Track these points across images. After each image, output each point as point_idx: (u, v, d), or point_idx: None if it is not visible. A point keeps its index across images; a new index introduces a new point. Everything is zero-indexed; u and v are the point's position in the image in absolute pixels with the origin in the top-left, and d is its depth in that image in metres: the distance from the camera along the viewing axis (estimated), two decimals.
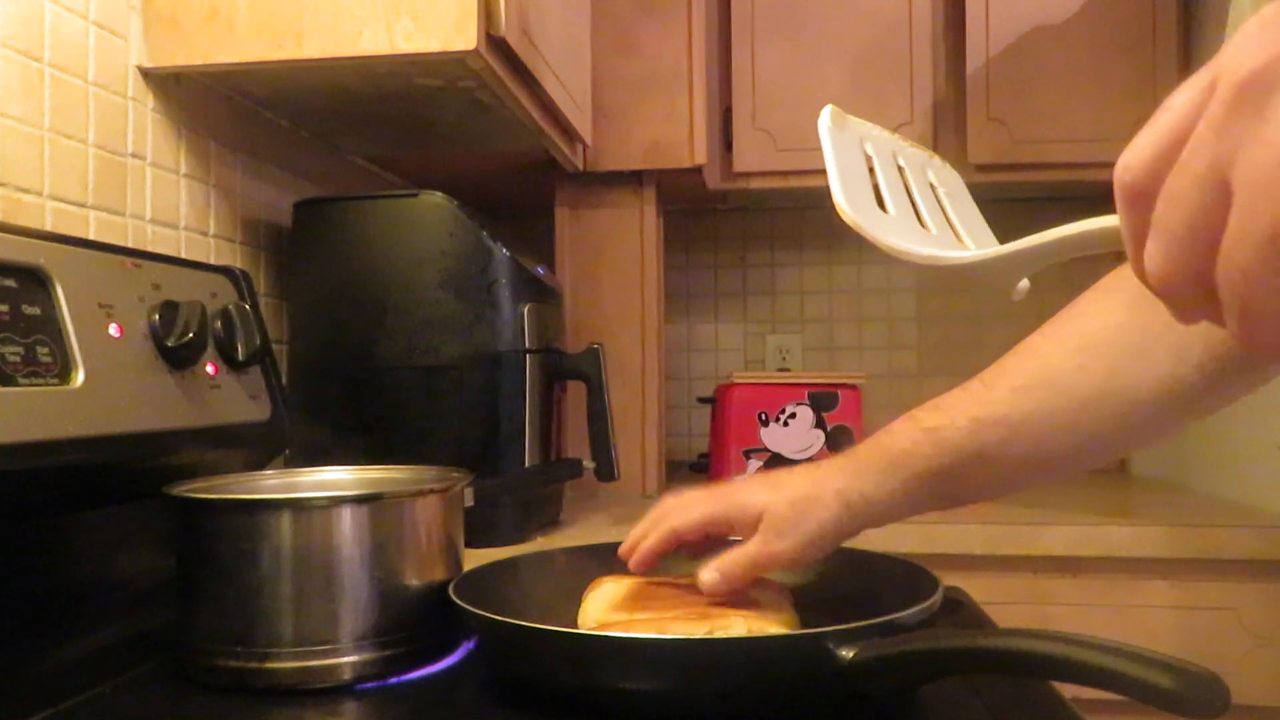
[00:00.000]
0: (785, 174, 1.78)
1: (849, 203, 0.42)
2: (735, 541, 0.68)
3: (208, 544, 0.63)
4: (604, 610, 0.65)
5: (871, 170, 0.46)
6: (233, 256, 1.12)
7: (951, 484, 0.66)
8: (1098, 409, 0.63)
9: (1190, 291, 0.28)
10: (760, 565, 0.65)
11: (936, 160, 0.47)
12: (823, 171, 0.43)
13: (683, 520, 0.70)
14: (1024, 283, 0.44)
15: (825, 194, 0.43)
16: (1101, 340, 0.63)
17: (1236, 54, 0.26)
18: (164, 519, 0.65)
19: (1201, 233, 0.27)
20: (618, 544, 0.78)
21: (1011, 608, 1.26)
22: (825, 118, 0.46)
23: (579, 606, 0.68)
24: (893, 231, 0.42)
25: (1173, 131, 0.28)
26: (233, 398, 0.86)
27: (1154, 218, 0.29)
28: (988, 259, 0.42)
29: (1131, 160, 0.29)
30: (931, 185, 0.46)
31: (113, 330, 0.74)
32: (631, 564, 0.71)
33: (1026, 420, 0.64)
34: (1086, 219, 0.37)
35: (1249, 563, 1.27)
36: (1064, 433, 0.64)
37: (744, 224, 2.12)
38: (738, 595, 0.66)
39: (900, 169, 0.46)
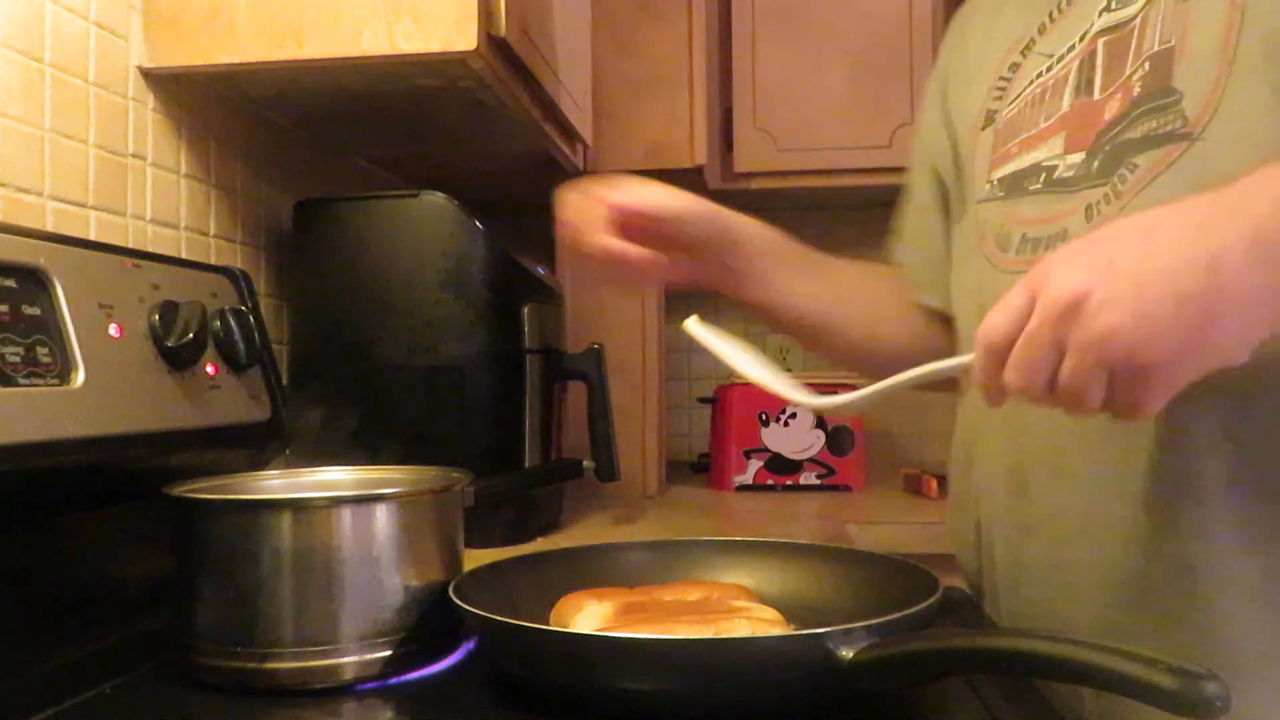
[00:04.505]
0: (785, 174, 1.78)
1: (747, 370, 0.65)
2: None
3: (208, 544, 0.63)
4: (599, 628, 0.64)
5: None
6: (233, 257, 1.12)
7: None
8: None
9: (1037, 394, 0.53)
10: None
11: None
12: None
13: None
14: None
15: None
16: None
17: (1057, 280, 0.51)
18: (164, 519, 0.65)
19: (1047, 367, 0.52)
20: (618, 545, 0.78)
21: None
22: (693, 322, 0.69)
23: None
24: (776, 387, 0.64)
25: (1015, 320, 0.53)
26: (233, 398, 0.86)
27: (1011, 361, 0.53)
28: (868, 396, 0.60)
29: (993, 332, 0.54)
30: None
31: (113, 330, 0.74)
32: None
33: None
34: (934, 362, 0.59)
35: None
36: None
37: None
38: (732, 608, 0.65)
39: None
